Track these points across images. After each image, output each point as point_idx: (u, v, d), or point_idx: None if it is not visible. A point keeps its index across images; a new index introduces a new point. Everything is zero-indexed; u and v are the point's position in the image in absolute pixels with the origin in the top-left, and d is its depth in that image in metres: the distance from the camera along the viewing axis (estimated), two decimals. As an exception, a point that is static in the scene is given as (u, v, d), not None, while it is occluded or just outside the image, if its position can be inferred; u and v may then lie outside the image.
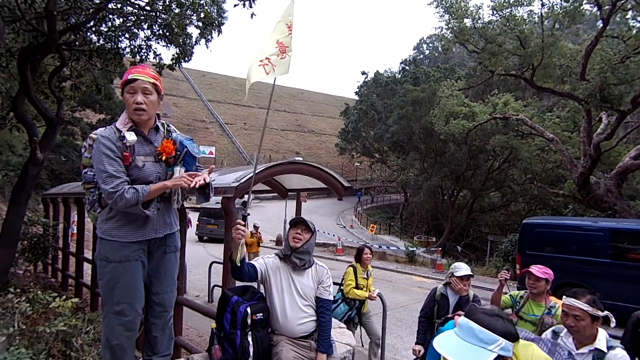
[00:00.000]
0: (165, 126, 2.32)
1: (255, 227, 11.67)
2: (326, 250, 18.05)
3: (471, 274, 3.46)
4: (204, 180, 2.13)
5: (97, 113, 26.45)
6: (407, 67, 41.11)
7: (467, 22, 14.21)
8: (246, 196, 3.39)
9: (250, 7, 6.30)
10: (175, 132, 2.35)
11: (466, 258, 19.59)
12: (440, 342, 1.33)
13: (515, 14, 13.29)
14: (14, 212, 6.43)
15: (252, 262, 2.51)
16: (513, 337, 1.34)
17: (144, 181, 2.10)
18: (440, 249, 17.34)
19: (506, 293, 3.25)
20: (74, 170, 23.08)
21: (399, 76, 39.11)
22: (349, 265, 4.74)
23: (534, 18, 13.53)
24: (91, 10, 6.64)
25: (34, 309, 3.80)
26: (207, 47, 9.09)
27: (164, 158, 2.18)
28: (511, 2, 12.99)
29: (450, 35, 14.75)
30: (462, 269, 3.47)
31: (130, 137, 2.08)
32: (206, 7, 8.15)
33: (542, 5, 12.80)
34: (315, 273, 2.55)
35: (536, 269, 2.99)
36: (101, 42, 8.00)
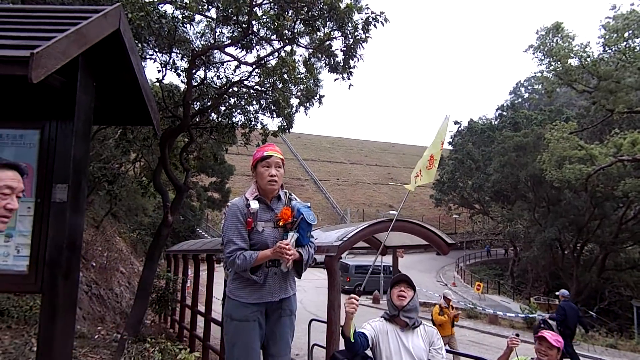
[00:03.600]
0: (288, 194, 2.49)
1: (447, 300, 8.29)
2: (428, 310, 16.75)
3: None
4: (297, 254, 2.27)
5: (209, 176, 29.94)
6: (504, 113, 38.93)
7: (573, 61, 13.18)
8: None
9: (349, 78, 6.79)
10: (296, 199, 2.50)
11: (604, 327, 16.16)
12: None
13: (633, 46, 11.95)
14: (149, 267, 7.24)
15: (361, 330, 2.49)
16: None
17: (263, 245, 2.30)
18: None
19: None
20: (190, 229, 26.11)
21: (496, 122, 37.07)
22: None
23: (659, 47, 11.97)
24: (215, 95, 7.93)
25: (164, 359, 4.15)
26: (307, 115, 9.98)
27: (281, 224, 2.34)
28: (626, 36, 11.77)
29: (554, 77, 13.78)
30: None
31: (254, 205, 2.33)
32: (306, 81, 9.08)
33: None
34: (425, 334, 2.47)
35: (549, 335, 2.84)
36: (219, 119, 9.37)
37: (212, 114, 9.56)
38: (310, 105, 9.46)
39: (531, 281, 27.87)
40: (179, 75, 7.82)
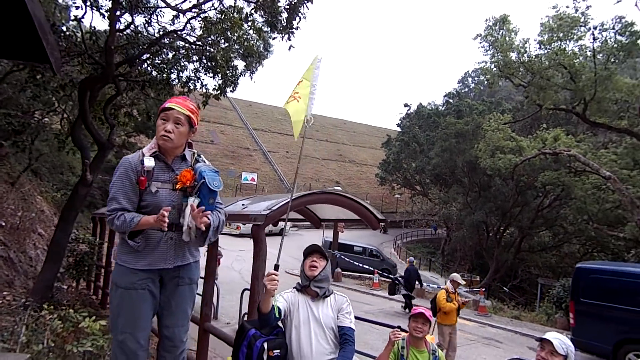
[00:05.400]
0: (195, 156, 2.26)
1: (455, 284, 6.95)
2: (362, 284, 17.55)
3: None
4: (204, 224, 2.05)
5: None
6: (450, 100, 40.66)
7: (513, 56, 13.92)
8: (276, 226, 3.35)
9: (289, 39, 6.56)
10: (205, 163, 2.27)
11: (514, 301, 18.15)
12: None
13: (564, 47, 12.84)
14: (62, 229, 6.72)
15: (276, 303, 2.41)
16: None
17: (156, 207, 2.06)
18: (484, 289, 16.26)
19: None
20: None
21: (443, 109, 38.66)
22: None
23: (586, 52, 12.99)
24: (146, 44, 7.22)
25: (64, 327, 3.81)
26: (252, 79, 9.56)
27: (178, 187, 2.13)
28: (560, 36, 12.60)
29: (495, 69, 14.50)
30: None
31: (148, 162, 2.09)
32: (252, 42, 8.62)
33: (594, 39, 12.30)
34: (335, 302, 2.48)
35: (426, 310, 2.97)
36: (154, 73, 8.63)
37: (146, 67, 8.78)
38: (254, 67, 9.06)
39: (458, 259, 30.28)
40: (102, 16, 6.95)
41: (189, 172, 2.14)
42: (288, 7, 6.44)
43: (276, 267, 2.26)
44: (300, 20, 6.41)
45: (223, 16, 6.65)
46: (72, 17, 7.70)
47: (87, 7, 6.79)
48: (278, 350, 2.29)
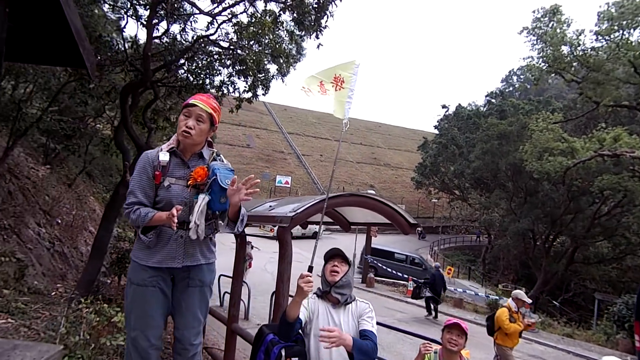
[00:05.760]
0: (214, 154, 2.25)
1: (519, 302, 6.30)
2: (396, 291, 16.87)
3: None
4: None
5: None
6: (493, 100, 38.73)
7: (565, 49, 12.75)
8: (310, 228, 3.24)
9: (317, 37, 6.36)
10: (222, 161, 2.25)
11: (565, 317, 16.63)
12: None
13: (627, 37, 11.54)
14: (104, 227, 7.06)
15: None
16: None
17: (168, 203, 2.07)
18: (529, 302, 14.98)
19: None
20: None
21: (484, 109, 36.88)
22: None
23: (654, 41, 11.61)
24: (180, 51, 7.26)
25: (99, 321, 3.92)
26: (283, 82, 9.48)
27: (190, 183, 2.12)
28: (623, 24, 11.32)
29: (544, 64, 13.35)
30: None
31: (163, 156, 2.11)
32: (284, 45, 8.53)
33: (664, 25, 10.95)
34: (357, 309, 2.33)
35: (462, 322, 2.79)
36: (190, 79, 8.75)
37: (182, 73, 8.95)
38: (286, 71, 8.99)
39: (501, 269, 28.54)
40: (143, 25, 7.15)
41: (203, 169, 2.13)
42: (316, 5, 6.26)
43: (310, 269, 2.17)
44: (328, 18, 6.23)
45: (254, 19, 6.59)
46: (115, 27, 7.95)
47: (128, 18, 7.09)
48: (296, 358, 2.21)
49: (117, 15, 7.06)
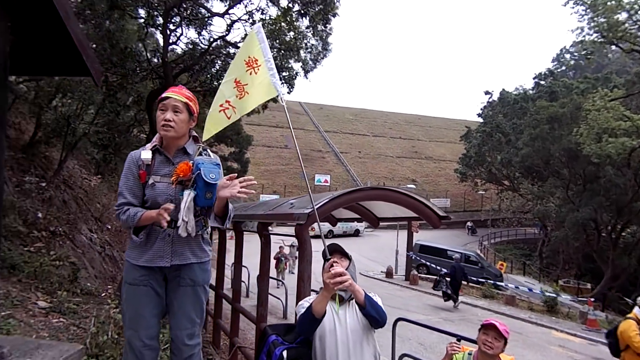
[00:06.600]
0: (200, 149, 2.20)
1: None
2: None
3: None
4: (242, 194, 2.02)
5: (228, 146, 30.11)
6: (542, 82, 35.95)
7: (622, 16, 11.32)
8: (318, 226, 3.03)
9: (325, 26, 6.09)
10: (208, 155, 2.18)
11: None
12: None
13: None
14: None
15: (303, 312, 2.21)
16: None
17: (153, 201, 2.09)
18: (593, 299, 13.55)
19: None
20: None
21: (532, 92, 34.34)
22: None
23: None
24: (198, 54, 7.25)
25: None
26: (307, 78, 9.28)
27: (173, 179, 2.08)
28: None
29: (596, 35, 11.96)
30: None
31: (145, 155, 2.11)
32: (305, 41, 8.31)
33: None
34: None
35: (499, 324, 2.53)
36: (215, 84, 8.79)
37: (206, 77, 9.00)
38: (309, 67, 8.80)
39: (562, 263, 26.39)
40: (159, 31, 7.23)
41: (187, 164, 2.07)
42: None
43: (327, 259, 2.11)
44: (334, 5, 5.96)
45: (266, 17, 6.44)
46: (137, 38, 8.13)
47: (146, 27, 7.19)
48: None
49: (138, 25, 7.21)
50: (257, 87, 2.35)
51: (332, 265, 2.00)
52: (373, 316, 2.03)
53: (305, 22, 7.15)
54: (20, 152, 8.61)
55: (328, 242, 2.17)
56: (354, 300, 2.15)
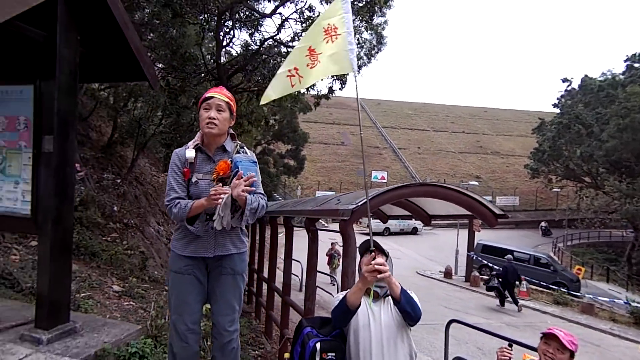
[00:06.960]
0: (238, 147, 2.32)
1: None
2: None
3: None
4: (243, 194, 2.07)
5: (285, 144, 30.81)
6: (636, 65, 31.39)
7: None
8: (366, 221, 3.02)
9: (371, 20, 5.93)
10: (245, 153, 2.30)
11: None
12: None
13: None
14: None
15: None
16: None
17: (197, 198, 2.19)
18: None
19: None
20: (267, 193, 27.15)
21: (623, 77, 30.30)
22: None
23: None
24: (249, 55, 7.49)
25: None
26: (359, 73, 9.15)
27: (213, 177, 2.20)
28: None
29: None
30: None
31: (189, 153, 2.23)
32: (358, 35, 8.20)
33: None
34: None
35: (562, 334, 2.32)
36: (267, 83, 9.04)
37: (259, 77, 9.26)
38: (362, 62, 8.65)
39: (655, 270, 23.17)
40: (215, 36, 7.59)
41: (225, 162, 2.19)
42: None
43: (370, 251, 2.12)
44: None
45: (314, 14, 6.45)
46: (194, 43, 8.62)
47: (203, 31, 7.58)
48: (333, 354, 2.13)
49: (195, 31, 7.65)
50: (331, 57, 2.24)
51: (374, 258, 2.02)
52: (407, 311, 2.03)
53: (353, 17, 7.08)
54: (100, 152, 9.59)
55: (379, 239, 2.14)
56: (389, 297, 2.17)
